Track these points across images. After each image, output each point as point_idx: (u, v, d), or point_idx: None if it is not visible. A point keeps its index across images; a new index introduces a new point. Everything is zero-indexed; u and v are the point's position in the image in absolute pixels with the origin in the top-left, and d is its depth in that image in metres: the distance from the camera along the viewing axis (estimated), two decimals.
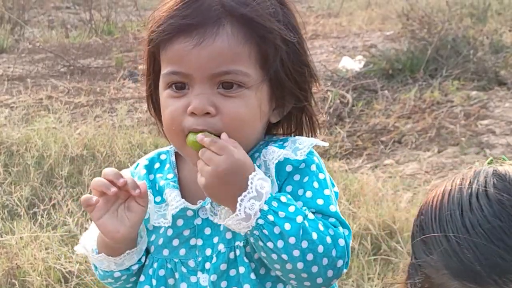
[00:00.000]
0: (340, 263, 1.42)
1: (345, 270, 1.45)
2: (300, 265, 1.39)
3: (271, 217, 1.37)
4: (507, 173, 1.15)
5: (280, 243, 1.37)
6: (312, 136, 1.59)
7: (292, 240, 1.37)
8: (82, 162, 4.97)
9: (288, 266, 1.39)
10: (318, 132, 1.62)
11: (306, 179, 1.48)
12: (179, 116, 1.45)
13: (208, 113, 1.42)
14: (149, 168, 1.60)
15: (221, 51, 1.42)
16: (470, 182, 1.15)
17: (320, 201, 1.46)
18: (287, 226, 1.37)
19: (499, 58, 7.27)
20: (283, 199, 1.41)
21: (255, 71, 1.45)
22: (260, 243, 1.39)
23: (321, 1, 13.85)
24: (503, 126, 5.80)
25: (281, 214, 1.38)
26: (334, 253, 1.40)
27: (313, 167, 1.49)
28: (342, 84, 6.96)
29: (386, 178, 4.75)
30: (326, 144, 1.56)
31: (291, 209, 1.40)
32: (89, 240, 1.57)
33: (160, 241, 1.53)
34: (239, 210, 1.37)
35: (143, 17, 12.11)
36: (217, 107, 1.43)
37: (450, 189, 1.17)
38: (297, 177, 1.48)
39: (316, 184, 1.47)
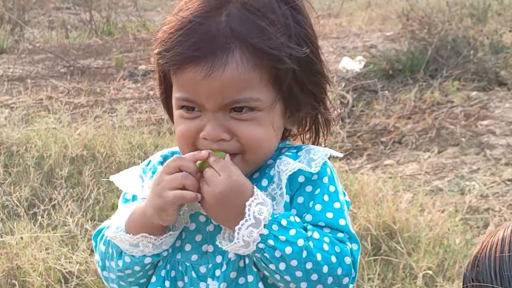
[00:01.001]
0: (346, 280, 1.42)
1: (351, 286, 1.44)
2: (303, 285, 1.39)
3: (271, 242, 1.37)
4: None
5: (282, 266, 1.38)
6: (327, 132, 1.59)
7: (294, 263, 1.37)
8: (82, 162, 4.97)
9: (292, 285, 1.40)
10: (334, 124, 1.60)
11: (317, 191, 1.47)
12: (192, 137, 1.45)
13: (222, 139, 1.42)
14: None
15: (231, 81, 1.39)
16: None
17: (329, 215, 1.45)
18: (288, 249, 1.37)
19: (499, 58, 7.27)
20: (283, 222, 1.39)
21: (267, 93, 1.43)
22: (262, 264, 1.39)
23: (321, 2, 13.85)
24: (503, 126, 5.80)
25: (282, 238, 1.38)
26: (339, 271, 1.40)
27: (325, 180, 1.48)
28: (342, 84, 6.96)
29: (386, 178, 4.75)
30: (341, 155, 1.56)
31: (292, 232, 1.39)
32: (113, 228, 1.49)
33: (178, 243, 1.52)
34: (237, 239, 1.37)
35: (143, 17, 12.12)
36: (231, 131, 1.42)
37: (510, 240, 1.06)
38: (309, 189, 1.47)
39: (326, 197, 1.46)
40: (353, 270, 1.42)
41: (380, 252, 3.61)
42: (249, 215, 1.37)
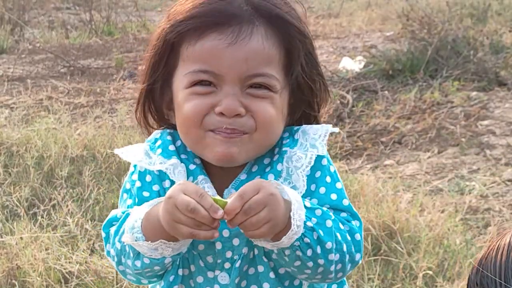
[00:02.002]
0: (358, 256, 1.44)
1: (360, 261, 1.46)
2: (332, 267, 1.40)
3: (309, 224, 1.36)
4: None
5: (318, 249, 1.37)
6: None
7: (329, 245, 1.37)
8: (82, 162, 4.97)
9: (320, 269, 1.40)
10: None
11: (318, 174, 1.47)
12: (204, 111, 1.40)
13: (237, 114, 1.40)
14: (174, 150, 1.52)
15: (256, 52, 1.39)
16: None
17: (333, 196, 1.46)
18: (321, 231, 1.37)
19: (499, 58, 7.26)
20: (307, 203, 1.39)
21: (281, 76, 1.44)
22: (298, 253, 1.37)
23: (321, 2, 13.84)
24: (503, 126, 5.80)
25: (313, 220, 1.37)
26: (353, 248, 1.42)
27: (324, 161, 1.48)
28: (342, 84, 6.96)
29: (386, 178, 4.75)
30: (337, 130, 1.53)
31: (318, 212, 1.39)
32: (128, 229, 1.43)
33: None
34: (293, 225, 1.33)
35: (143, 17, 12.11)
36: (247, 107, 1.40)
37: None
38: (308, 172, 1.46)
39: (328, 179, 1.47)
40: (362, 246, 1.45)
41: (380, 252, 3.61)
42: (294, 199, 1.35)
